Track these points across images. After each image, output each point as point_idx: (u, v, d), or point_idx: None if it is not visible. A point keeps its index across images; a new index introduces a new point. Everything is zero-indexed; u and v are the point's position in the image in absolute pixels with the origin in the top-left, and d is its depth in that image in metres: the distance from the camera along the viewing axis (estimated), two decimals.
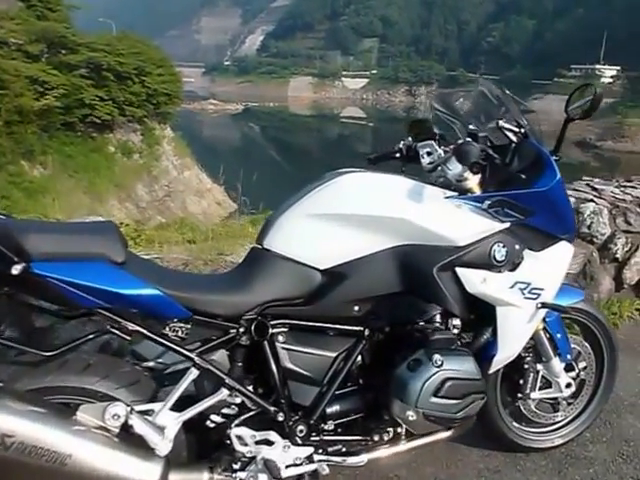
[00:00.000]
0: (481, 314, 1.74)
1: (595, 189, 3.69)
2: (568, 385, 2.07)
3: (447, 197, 1.69)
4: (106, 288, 1.36)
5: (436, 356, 1.57)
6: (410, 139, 1.98)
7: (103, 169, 19.11)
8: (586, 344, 2.19)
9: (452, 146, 1.78)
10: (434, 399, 1.57)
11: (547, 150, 1.82)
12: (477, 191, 1.74)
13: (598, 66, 75.88)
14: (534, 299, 1.76)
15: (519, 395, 2.04)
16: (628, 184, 3.91)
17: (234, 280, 1.61)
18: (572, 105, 1.86)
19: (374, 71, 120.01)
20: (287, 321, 1.61)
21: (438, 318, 1.67)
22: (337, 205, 1.63)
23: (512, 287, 1.72)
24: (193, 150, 25.04)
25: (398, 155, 2.01)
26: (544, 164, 1.79)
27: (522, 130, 1.83)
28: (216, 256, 2.99)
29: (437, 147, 1.84)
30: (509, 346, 1.80)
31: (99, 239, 1.43)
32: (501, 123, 1.82)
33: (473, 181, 1.73)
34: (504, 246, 1.69)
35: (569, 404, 2.19)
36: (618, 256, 3.41)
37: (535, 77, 78.17)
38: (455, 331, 1.68)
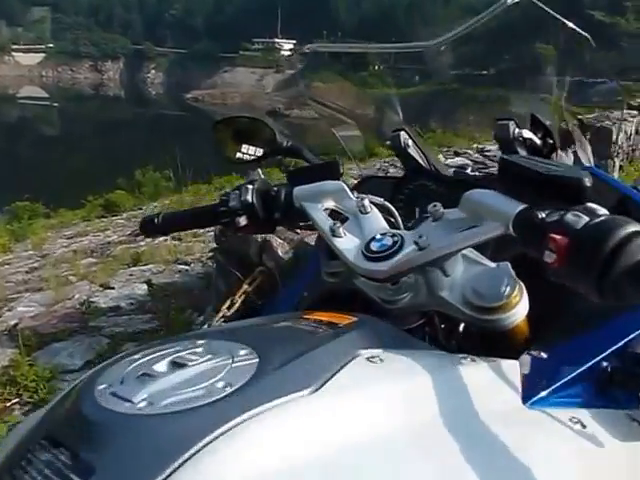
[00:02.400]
0: None
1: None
2: None
3: (530, 404, 0.61)
4: None
5: None
6: (260, 174, 0.97)
7: None
8: None
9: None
10: None
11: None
12: (525, 333, 0.68)
13: (277, 40, 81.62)
14: None
15: None
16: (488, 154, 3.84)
17: None
18: None
19: (50, 45, 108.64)
20: None
21: None
22: None
23: None
24: None
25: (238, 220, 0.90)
26: None
27: (551, 141, 0.99)
28: None
29: (394, 212, 0.83)
30: None
31: None
32: (517, 130, 0.96)
33: (523, 307, 0.66)
34: None
35: None
36: None
37: (223, 50, 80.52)
38: None
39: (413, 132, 1.07)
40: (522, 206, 0.61)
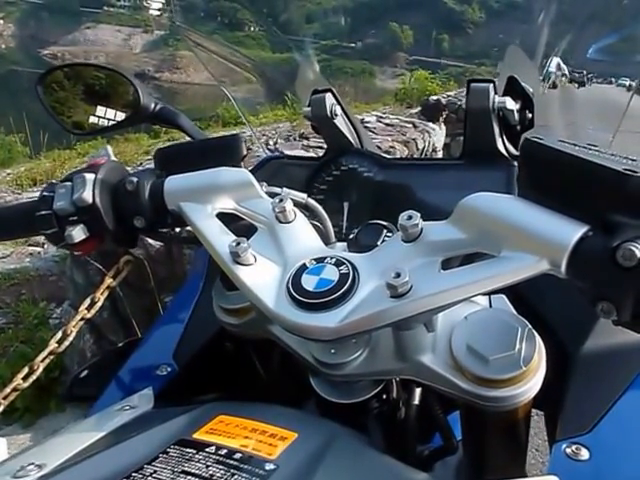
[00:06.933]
0: None
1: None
2: None
3: None
4: None
5: None
6: (110, 153, 0.64)
7: None
8: None
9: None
10: None
11: None
12: (530, 408, 0.46)
13: None
14: None
15: None
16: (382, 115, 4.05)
17: None
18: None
19: None
20: None
21: None
22: None
23: None
24: None
25: None
26: None
27: (529, 115, 0.73)
28: None
29: (323, 217, 0.59)
30: None
31: None
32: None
33: (541, 374, 0.42)
34: None
35: None
36: None
37: (83, 4, 74.45)
38: None
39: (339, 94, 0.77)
40: (583, 229, 0.35)
